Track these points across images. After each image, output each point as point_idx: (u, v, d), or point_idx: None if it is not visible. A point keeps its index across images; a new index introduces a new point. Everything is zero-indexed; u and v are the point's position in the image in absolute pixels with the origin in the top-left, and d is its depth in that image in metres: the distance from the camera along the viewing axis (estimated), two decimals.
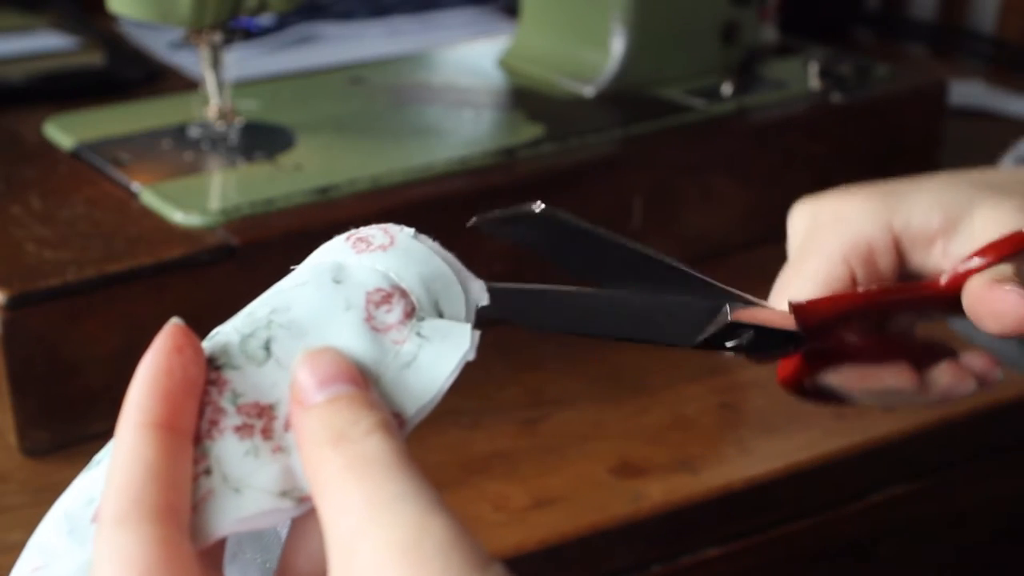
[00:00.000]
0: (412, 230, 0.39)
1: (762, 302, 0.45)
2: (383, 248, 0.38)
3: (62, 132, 0.82)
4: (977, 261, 0.48)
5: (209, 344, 0.36)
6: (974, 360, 0.52)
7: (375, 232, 0.39)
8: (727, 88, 0.91)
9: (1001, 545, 0.81)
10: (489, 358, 0.78)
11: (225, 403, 0.35)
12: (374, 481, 0.32)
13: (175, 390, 0.34)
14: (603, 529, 0.63)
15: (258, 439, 0.35)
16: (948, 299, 0.48)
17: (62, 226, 0.70)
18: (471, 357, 0.36)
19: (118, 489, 0.33)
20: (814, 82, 0.93)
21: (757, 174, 0.89)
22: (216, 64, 0.77)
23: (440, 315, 0.38)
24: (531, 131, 0.83)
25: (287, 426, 0.35)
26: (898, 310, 0.50)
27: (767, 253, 0.89)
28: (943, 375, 0.51)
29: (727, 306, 0.44)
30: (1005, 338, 0.50)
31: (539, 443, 0.69)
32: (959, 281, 0.48)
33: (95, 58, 1.01)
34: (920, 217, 0.50)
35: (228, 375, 0.35)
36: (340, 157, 0.78)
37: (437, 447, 0.67)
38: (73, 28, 1.07)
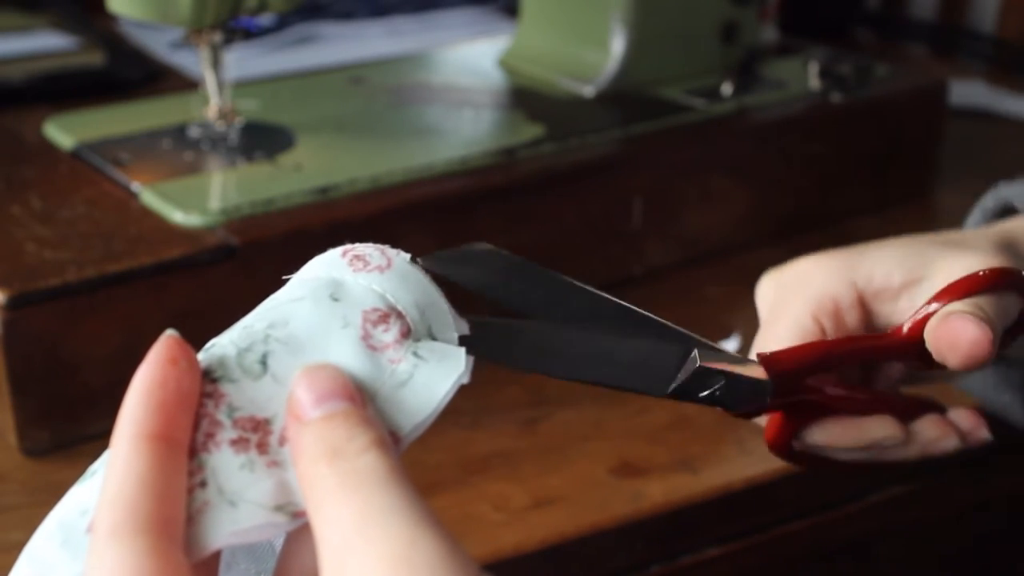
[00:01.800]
0: (408, 255, 0.39)
1: (728, 351, 0.45)
2: (380, 269, 0.38)
3: (62, 132, 0.82)
4: (935, 305, 0.49)
5: (205, 356, 0.36)
6: (960, 417, 0.53)
7: (372, 252, 0.39)
8: (727, 88, 0.91)
9: (1001, 545, 0.81)
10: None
11: (221, 416, 0.35)
12: (366, 496, 0.32)
13: (169, 402, 0.34)
14: (603, 529, 0.63)
15: (254, 453, 0.35)
16: (912, 345, 0.49)
17: (62, 226, 0.70)
18: (465, 380, 0.37)
19: (112, 500, 0.33)
20: (814, 82, 0.93)
21: (757, 174, 0.89)
22: (216, 64, 0.77)
23: (433, 339, 0.38)
24: (531, 131, 0.83)
25: (282, 440, 0.35)
26: (865, 357, 0.51)
27: (767, 253, 0.89)
28: (928, 428, 0.51)
29: (695, 351, 0.43)
30: (970, 371, 0.50)
31: (539, 443, 0.69)
32: (920, 326, 0.49)
33: (95, 58, 1.01)
34: (881, 273, 0.52)
35: (225, 388, 0.35)
36: (340, 157, 0.78)
37: (437, 447, 0.67)
38: (73, 28, 1.07)
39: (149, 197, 0.73)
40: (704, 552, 0.66)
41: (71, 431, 0.66)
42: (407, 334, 0.37)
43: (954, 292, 0.49)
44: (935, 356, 0.49)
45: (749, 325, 0.80)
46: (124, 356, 0.67)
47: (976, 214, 0.65)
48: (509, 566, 0.61)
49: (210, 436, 0.35)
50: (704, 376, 0.44)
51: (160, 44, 1.10)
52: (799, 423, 0.50)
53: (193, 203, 0.71)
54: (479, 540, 0.61)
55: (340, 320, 0.37)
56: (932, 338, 0.48)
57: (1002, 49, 1.31)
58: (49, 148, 0.81)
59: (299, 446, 0.34)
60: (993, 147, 1.09)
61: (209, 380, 0.35)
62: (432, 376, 0.36)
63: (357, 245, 0.39)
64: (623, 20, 0.89)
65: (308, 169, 0.76)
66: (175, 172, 0.76)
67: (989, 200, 0.64)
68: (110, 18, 1.05)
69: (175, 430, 0.34)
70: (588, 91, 0.90)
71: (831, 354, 0.48)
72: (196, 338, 0.72)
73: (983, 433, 0.51)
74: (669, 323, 0.43)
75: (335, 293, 0.37)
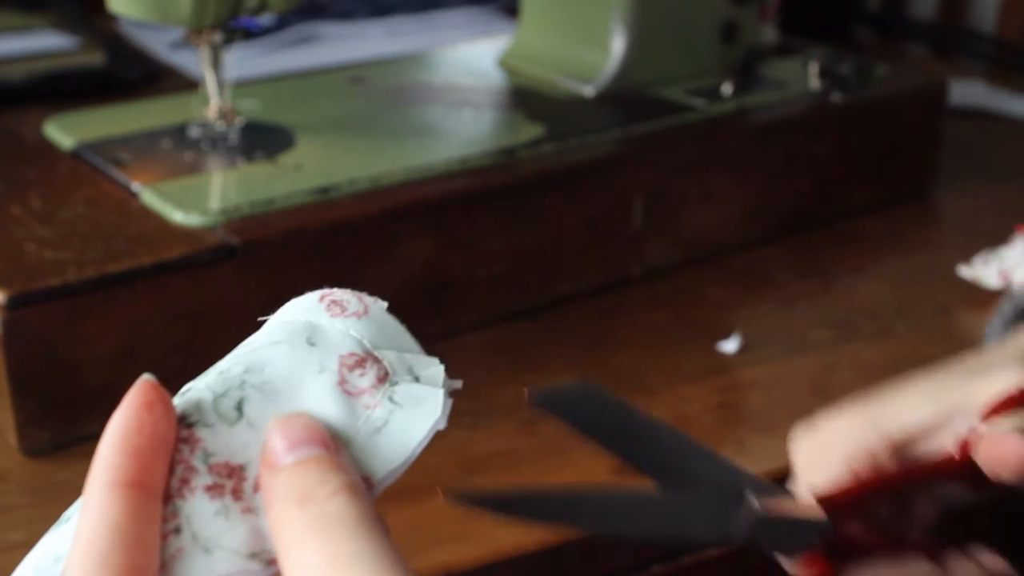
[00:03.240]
0: (385, 303, 0.40)
1: (785, 491, 0.45)
2: (358, 315, 0.39)
3: (62, 132, 0.81)
4: (983, 427, 0.49)
5: (181, 401, 0.36)
6: (991, 560, 0.53)
7: (350, 298, 0.39)
8: (727, 88, 0.91)
9: (1000, 545, 0.81)
10: (489, 358, 0.78)
11: (197, 462, 0.35)
12: (335, 541, 0.32)
13: (145, 447, 0.34)
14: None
15: (228, 499, 0.35)
16: (963, 467, 0.49)
17: (62, 226, 0.70)
18: (442, 426, 0.37)
19: (84, 549, 0.33)
20: (814, 82, 0.93)
21: (757, 174, 0.89)
22: (216, 64, 0.77)
23: (416, 380, 0.38)
24: (531, 131, 0.83)
25: (256, 487, 0.35)
26: (919, 485, 0.50)
27: (767, 253, 0.89)
28: (963, 570, 0.51)
29: (748, 493, 0.44)
30: None
31: (539, 443, 0.69)
32: (968, 447, 0.49)
33: (95, 58, 1.01)
34: (913, 420, 0.51)
35: (200, 433, 0.35)
36: (340, 157, 0.78)
37: (437, 447, 0.67)
38: (73, 28, 1.07)
39: (149, 197, 0.73)
40: (704, 552, 0.66)
41: (71, 431, 0.66)
42: (384, 379, 0.37)
43: (1000, 411, 0.49)
44: (988, 473, 0.49)
45: (749, 325, 0.80)
46: (124, 356, 0.67)
47: (996, 322, 0.66)
48: (509, 566, 0.61)
49: (185, 482, 0.34)
50: (764, 524, 0.45)
51: (160, 44, 1.10)
52: (838, 563, 0.49)
53: (193, 203, 0.71)
54: (479, 540, 0.61)
55: (316, 366, 0.37)
56: (984, 459, 0.49)
57: (1002, 49, 1.31)
58: (49, 148, 0.81)
59: (271, 491, 0.34)
60: (993, 147, 1.09)
61: (185, 425, 0.35)
62: (407, 422, 0.36)
63: (335, 290, 0.39)
64: (623, 20, 0.89)
65: (308, 169, 0.76)
66: (175, 172, 0.75)
67: (1007, 306, 0.65)
68: (110, 18, 1.05)
69: (150, 476, 0.34)
70: (588, 91, 0.90)
71: (889, 484, 0.48)
72: (196, 338, 0.72)
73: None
74: (735, 465, 0.44)
75: (312, 338, 0.38)
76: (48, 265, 0.65)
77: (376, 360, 0.37)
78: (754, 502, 0.44)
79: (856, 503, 0.47)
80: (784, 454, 0.68)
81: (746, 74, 0.93)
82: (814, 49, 1.00)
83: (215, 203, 0.72)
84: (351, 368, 0.37)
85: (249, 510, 0.35)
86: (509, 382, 0.73)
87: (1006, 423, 0.49)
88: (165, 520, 0.34)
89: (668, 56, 0.92)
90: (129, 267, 0.66)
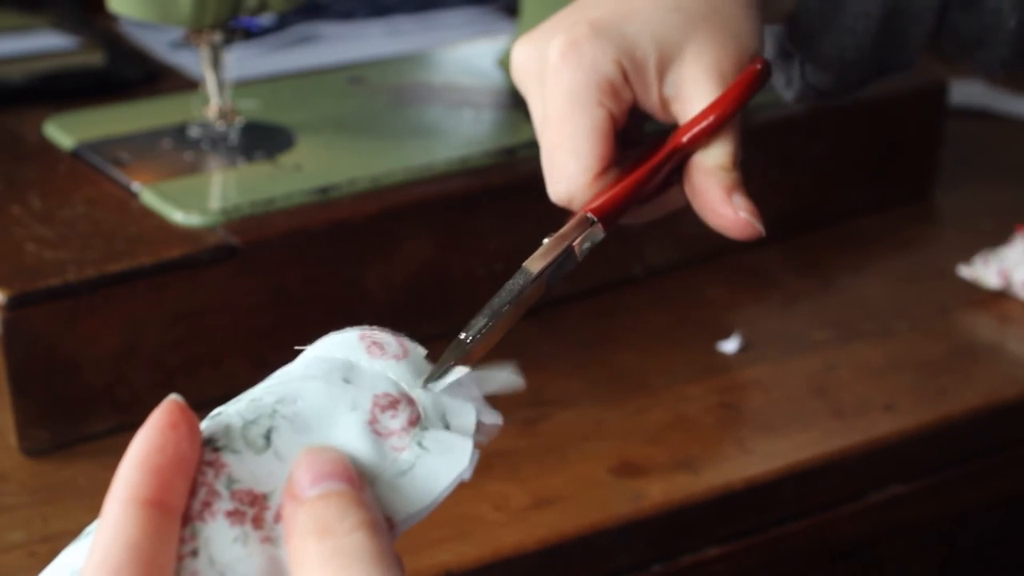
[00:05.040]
0: (425, 351, 0.40)
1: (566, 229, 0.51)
2: (396, 358, 0.39)
3: (62, 132, 0.81)
4: (707, 121, 0.52)
5: (210, 424, 0.36)
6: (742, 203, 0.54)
7: (390, 340, 0.40)
8: None
9: (1000, 545, 0.81)
10: (489, 358, 0.78)
11: (220, 486, 0.35)
12: (350, 575, 0.33)
13: (166, 467, 0.34)
14: (603, 529, 0.63)
15: (248, 527, 0.35)
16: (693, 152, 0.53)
17: (62, 226, 0.70)
18: (467, 476, 0.37)
19: (98, 563, 0.33)
20: None
21: (757, 174, 0.89)
22: (216, 64, 0.77)
23: (447, 427, 0.38)
24: (531, 131, 0.83)
25: (277, 517, 0.35)
26: (666, 177, 0.53)
27: (767, 253, 0.89)
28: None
29: (570, 245, 0.49)
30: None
31: (539, 443, 0.69)
32: (697, 137, 0.52)
33: (95, 58, 1.01)
34: (640, 54, 0.52)
35: (227, 458, 0.35)
36: (340, 157, 0.78)
37: None
38: (73, 28, 1.07)
39: (149, 197, 0.73)
40: (704, 552, 0.67)
41: (71, 431, 0.66)
42: (415, 422, 0.37)
43: (720, 108, 0.52)
44: (696, 209, 0.53)
45: (749, 325, 0.80)
46: (124, 356, 0.67)
47: None
48: (509, 566, 0.61)
49: (207, 505, 0.35)
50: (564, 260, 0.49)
51: (160, 44, 1.09)
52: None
53: (193, 203, 0.71)
54: (479, 540, 0.61)
55: (349, 403, 0.37)
56: (701, 203, 0.52)
57: None
58: (49, 148, 0.81)
59: (292, 522, 0.34)
60: (993, 147, 1.09)
61: (211, 449, 0.35)
62: (433, 468, 0.37)
63: (375, 331, 0.40)
64: None
65: (308, 169, 0.76)
66: (175, 172, 0.76)
67: None
68: (110, 18, 1.05)
69: (170, 496, 0.34)
70: None
71: (643, 183, 0.52)
72: (196, 338, 0.72)
73: (752, 239, 0.53)
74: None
75: (348, 376, 0.38)
76: (48, 265, 0.65)
77: (410, 402, 0.38)
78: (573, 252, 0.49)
79: (624, 206, 0.51)
80: (785, 454, 0.68)
81: None
82: None
83: (215, 203, 0.72)
84: (383, 408, 0.37)
85: (268, 540, 0.35)
86: None
87: (725, 162, 0.53)
88: (183, 541, 0.34)
89: None
90: (129, 267, 0.66)
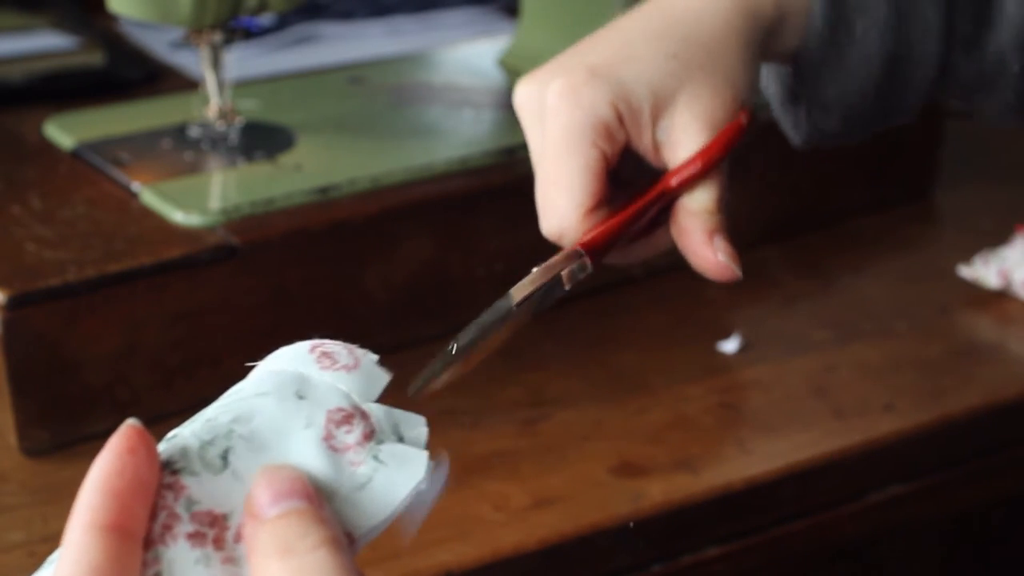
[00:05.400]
0: (376, 356, 0.40)
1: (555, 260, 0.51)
2: (347, 369, 0.39)
3: (62, 132, 0.81)
4: (694, 167, 0.53)
5: (167, 447, 0.36)
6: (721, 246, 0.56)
7: (340, 350, 0.39)
8: None
9: (1000, 545, 0.81)
10: (489, 358, 0.78)
11: (180, 509, 0.35)
12: None
13: (126, 492, 0.34)
14: (603, 529, 0.63)
15: (210, 548, 0.35)
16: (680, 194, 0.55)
17: (62, 226, 0.70)
18: (424, 487, 0.37)
19: None
20: None
21: (757, 174, 0.89)
22: (216, 64, 0.77)
23: (401, 439, 0.38)
24: None
25: (238, 537, 0.35)
26: (653, 217, 0.55)
27: (767, 253, 0.89)
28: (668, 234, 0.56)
29: (560, 276, 0.50)
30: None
31: (539, 443, 0.69)
32: (685, 182, 0.53)
33: (95, 58, 1.01)
34: (635, 99, 0.53)
35: (185, 481, 0.35)
36: (340, 157, 0.78)
37: (437, 447, 0.67)
38: (73, 28, 1.07)
39: (149, 197, 0.73)
40: (704, 552, 0.66)
41: (71, 431, 0.66)
42: (370, 436, 0.37)
43: (707, 156, 0.54)
44: (681, 250, 0.55)
45: (749, 325, 0.80)
46: (124, 356, 0.67)
47: None
48: (509, 566, 0.61)
49: (167, 528, 0.35)
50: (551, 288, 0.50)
51: (160, 44, 1.09)
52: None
53: (193, 203, 0.71)
54: (479, 540, 0.61)
55: (304, 420, 0.37)
56: (685, 246, 0.54)
57: None
58: (49, 148, 0.81)
59: (254, 542, 0.34)
60: (993, 147, 1.09)
61: (169, 471, 0.35)
62: (391, 481, 0.37)
63: (325, 341, 0.40)
64: None
65: (308, 169, 0.76)
66: (175, 172, 0.75)
67: None
68: (110, 18, 1.05)
69: (131, 521, 0.34)
70: None
71: (632, 221, 0.53)
72: (196, 338, 0.72)
73: (730, 281, 0.55)
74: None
75: (301, 390, 0.38)
76: (48, 265, 0.65)
77: (364, 416, 0.38)
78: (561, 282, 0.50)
79: (612, 241, 0.53)
80: (785, 454, 0.68)
81: None
82: None
83: (215, 203, 0.72)
84: (338, 424, 0.37)
85: (230, 560, 0.35)
86: (509, 382, 0.73)
87: (711, 206, 0.54)
88: (146, 565, 0.34)
89: None
90: (129, 267, 0.66)
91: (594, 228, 0.53)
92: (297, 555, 0.34)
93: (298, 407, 0.37)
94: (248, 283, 0.69)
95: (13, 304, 0.63)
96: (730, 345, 0.77)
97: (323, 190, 0.73)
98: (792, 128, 0.63)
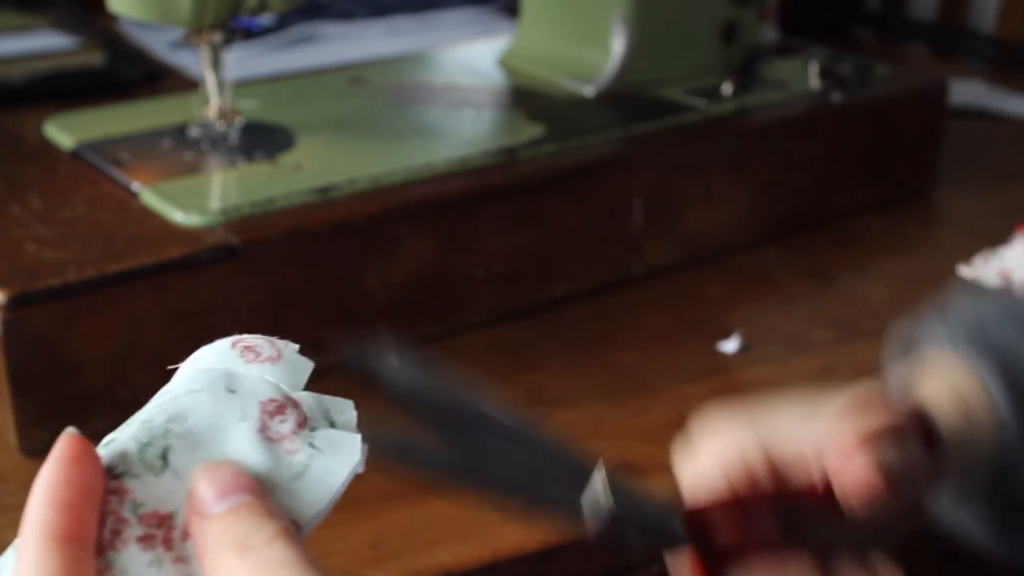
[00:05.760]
0: (297, 346, 0.40)
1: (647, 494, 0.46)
2: (272, 360, 0.39)
3: (62, 132, 0.82)
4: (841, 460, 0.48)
5: (106, 452, 0.36)
6: (881, 565, 0.51)
7: (262, 343, 0.40)
8: (727, 88, 0.91)
9: None
10: (489, 358, 0.78)
11: (127, 513, 0.35)
12: None
13: (75, 501, 0.34)
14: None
15: (160, 549, 0.35)
16: (825, 496, 0.49)
17: (62, 226, 0.70)
18: (360, 470, 0.37)
19: None
20: (814, 82, 0.93)
21: (757, 174, 0.89)
22: (216, 64, 0.77)
23: (332, 424, 0.38)
24: (531, 131, 0.83)
25: (185, 535, 0.35)
26: (778, 507, 0.49)
27: (767, 253, 0.89)
28: (846, 572, 0.50)
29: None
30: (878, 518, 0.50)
31: None
32: (829, 482, 0.49)
33: (95, 58, 1.01)
34: (790, 443, 0.50)
35: (129, 484, 0.35)
36: (340, 157, 0.78)
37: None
38: (73, 28, 1.07)
39: (149, 197, 0.73)
40: None
41: None
42: (303, 424, 0.38)
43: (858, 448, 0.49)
44: (840, 499, 0.49)
45: (749, 325, 0.80)
46: (124, 356, 0.67)
47: (896, 347, 0.64)
48: (509, 566, 0.61)
49: (116, 533, 0.35)
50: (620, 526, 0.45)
51: (160, 44, 1.10)
52: (720, 562, 0.49)
53: (193, 203, 0.71)
54: (479, 540, 0.61)
55: (238, 413, 0.37)
56: (836, 480, 0.48)
57: (1002, 49, 1.31)
58: (49, 148, 0.81)
59: (204, 540, 0.34)
60: (993, 147, 1.09)
61: (112, 476, 0.35)
62: (327, 466, 0.37)
63: (245, 336, 0.40)
64: (623, 20, 0.89)
65: (308, 169, 0.76)
66: (175, 172, 0.76)
67: (898, 339, 0.63)
68: (110, 18, 1.05)
69: (82, 529, 0.34)
70: (588, 91, 0.90)
71: (746, 502, 0.48)
72: (196, 338, 0.72)
73: (867, 486, 0.49)
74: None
75: (231, 385, 0.38)
76: (48, 265, 0.65)
77: (295, 405, 0.38)
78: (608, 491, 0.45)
79: (730, 514, 0.47)
80: None
81: (746, 74, 0.93)
82: (814, 49, 1.00)
83: (215, 203, 0.72)
84: (271, 415, 0.37)
85: (180, 559, 0.35)
86: (509, 382, 0.73)
87: (861, 452, 0.48)
88: (99, 573, 0.34)
89: (668, 56, 0.92)
90: (129, 267, 0.66)
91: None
92: (254, 550, 0.33)
93: (230, 401, 0.38)
94: (248, 283, 0.69)
95: (13, 304, 0.63)
96: (730, 345, 0.77)
97: (323, 190, 0.73)
98: (1016, 557, 0.60)
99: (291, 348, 0.40)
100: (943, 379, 0.56)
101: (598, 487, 0.45)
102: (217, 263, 0.68)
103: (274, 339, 0.40)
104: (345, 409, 0.39)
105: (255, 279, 0.69)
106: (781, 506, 0.49)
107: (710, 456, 0.51)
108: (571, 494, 0.44)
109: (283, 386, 0.38)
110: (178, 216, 0.70)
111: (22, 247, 0.67)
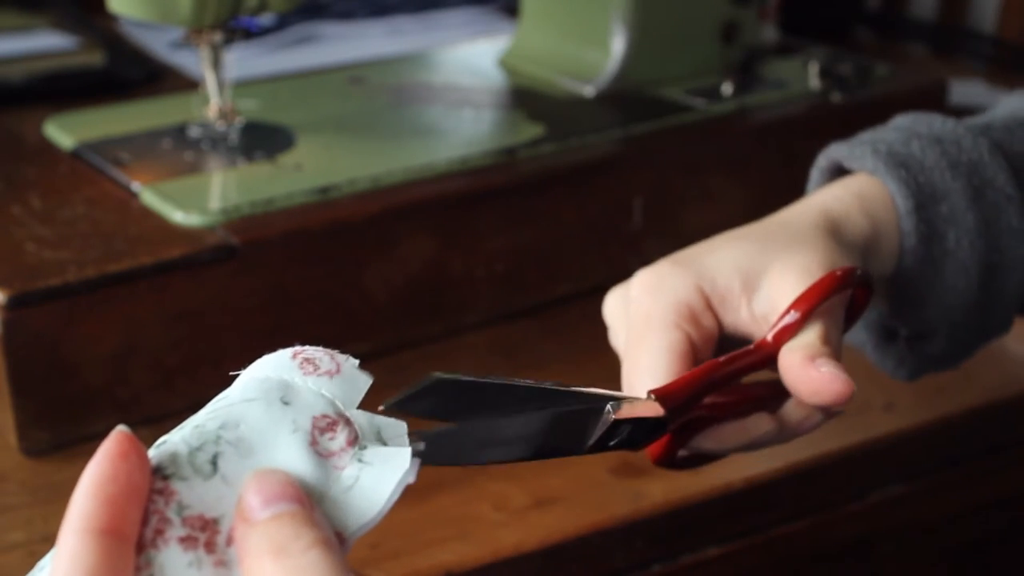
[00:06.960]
0: (356, 361, 0.40)
1: (628, 396, 0.48)
2: (330, 374, 0.40)
3: (62, 132, 0.82)
4: (791, 316, 0.51)
5: (156, 453, 0.37)
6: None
7: (322, 356, 0.40)
8: (727, 88, 0.91)
9: (1000, 545, 0.81)
10: (489, 358, 0.78)
11: (171, 513, 0.36)
12: None
13: (119, 496, 0.35)
14: (603, 529, 0.63)
15: (201, 551, 0.35)
16: (773, 354, 0.52)
17: (62, 226, 0.70)
18: (411, 480, 0.38)
19: None
20: (814, 82, 0.93)
21: (757, 174, 0.89)
22: (216, 64, 0.77)
23: (383, 443, 0.39)
24: (531, 131, 0.83)
25: (229, 541, 0.36)
26: (742, 374, 0.52)
27: None
28: (794, 412, 0.53)
29: (608, 407, 0.46)
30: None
31: None
32: (782, 337, 0.52)
33: (95, 58, 1.01)
34: (723, 280, 0.54)
35: (175, 486, 0.36)
36: (340, 157, 0.78)
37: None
38: (73, 28, 1.07)
39: (149, 197, 0.73)
40: (704, 552, 0.67)
41: (71, 431, 0.66)
42: (354, 441, 0.38)
43: (804, 302, 0.51)
44: (790, 390, 0.51)
45: None
46: (124, 356, 0.67)
47: (815, 176, 0.67)
48: (509, 566, 0.61)
49: (159, 533, 0.35)
50: (615, 427, 0.46)
51: (160, 44, 1.10)
52: (684, 438, 0.52)
53: (193, 203, 0.71)
54: (479, 540, 0.61)
55: (290, 424, 0.38)
56: (792, 379, 0.51)
57: (1002, 49, 1.31)
58: (49, 148, 0.81)
59: (246, 544, 0.35)
60: None
61: (160, 477, 0.36)
62: (378, 479, 0.37)
63: (307, 348, 0.40)
64: (623, 20, 0.89)
65: (308, 169, 0.76)
66: (175, 172, 0.76)
67: (822, 160, 0.66)
68: (110, 18, 1.05)
69: (124, 525, 0.34)
70: (588, 91, 0.90)
71: (713, 379, 0.51)
72: (196, 338, 0.72)
73: (843, 398, 0.51)
74: (583, 389, 0.46)
75: (286, 396, 0.39)
76: (48, 265, 0.65)
77: (347, 423, 0.38)
78: (610, 411, 0.46)
79: (690, 396, 0.50)
80: (785, 454, 0.68)
81: (746, 74, 0.93)
82: (814, 49, 1.00)
83: (215, 203, 0.72)
84: (323, 431, 0.38)
85: (221, 563, 0.35)
86: None
87: (814, 340, 0.51)
88: (138, 569, 0.34)
89: (668, 56, 0.92)
90: (129, 267, 0.66)
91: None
92: (291, 556, 0.34)
93: (284, 412, 0.38)
94: (248, 283, 0.69)
95: (13, 304, 0.63)
96: None
97: (323, 190, 0.73)
98: (897, 367, 0.63)
99: (351, 363, 0.40)
100: (852, 188, 0.60)
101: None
102: (217, 263, 0.68)
103: (335, 352, 0.40)
104: (398, 430, 0.39)
105: (255, 279, 0.70)
106: (745, 371, 0.52)
107: (663, 313, 0.53)
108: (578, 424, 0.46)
109: (338, 402, 0.39)
110: (178, 216, 0.70)
111: (22, 247, 0.67)
